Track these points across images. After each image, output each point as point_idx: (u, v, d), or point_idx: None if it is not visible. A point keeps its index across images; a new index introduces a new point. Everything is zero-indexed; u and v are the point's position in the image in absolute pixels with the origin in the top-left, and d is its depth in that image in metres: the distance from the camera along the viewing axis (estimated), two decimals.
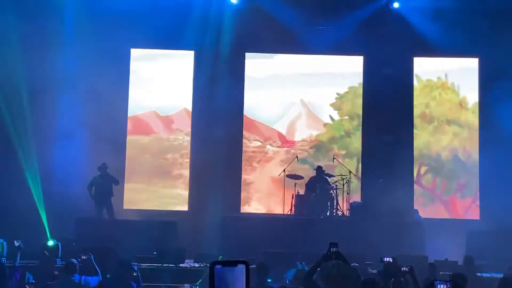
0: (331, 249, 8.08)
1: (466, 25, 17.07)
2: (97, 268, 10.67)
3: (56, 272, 10.63)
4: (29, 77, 16.46)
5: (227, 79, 17.74)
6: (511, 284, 5.90)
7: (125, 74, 18.57)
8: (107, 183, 16.09)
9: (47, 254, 12.72)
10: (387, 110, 17.65)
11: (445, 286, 5.22)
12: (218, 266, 2.14)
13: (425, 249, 15.12)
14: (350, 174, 16.77)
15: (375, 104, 17.90)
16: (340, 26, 17.68)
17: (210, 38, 17.80)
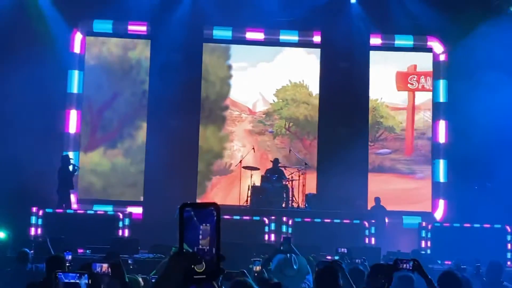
0: (284, 243, 8.18)
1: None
2: (52, 251, 10.58)
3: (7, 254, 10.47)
4: None
5: (183, 68, 17.62)
6: (451, 277, 6.03)
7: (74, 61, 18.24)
8: (68, 175, 15.86)
9: None
10: (343, 102, 17.77)
11: (407, 265, 5.43)
12: (188, 209, 2.04)
13: (380, 240, 15.31)
14: (305, 165, 16.88)
15: (331, 96, 18.06)
16: (298, 19, 17.76)
17: (167, 27, 17.66)
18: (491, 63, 16.38)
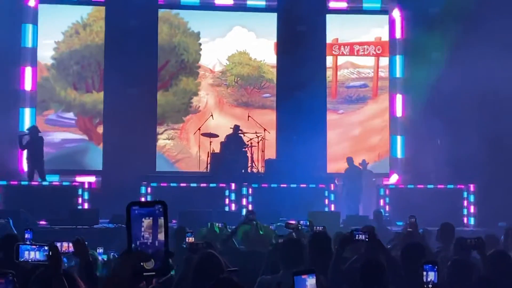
0: (249, 216, 8.23)
1: None
2: (14, 231, 10.44)
3: None
4: None
5: (140, 35, 17.38)
6: (416, 247, 6.13)
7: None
8: (40, 145, 15.56)
9: None
10: (299, 66, 17.69)
11: (363, 236, 5.50)
12: (135, 207, 2.06)
13: (339, 205, 15.47)
14: (264, 131, 16.90)
15: (285, 60, 18.17)
16: None
17: None
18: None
